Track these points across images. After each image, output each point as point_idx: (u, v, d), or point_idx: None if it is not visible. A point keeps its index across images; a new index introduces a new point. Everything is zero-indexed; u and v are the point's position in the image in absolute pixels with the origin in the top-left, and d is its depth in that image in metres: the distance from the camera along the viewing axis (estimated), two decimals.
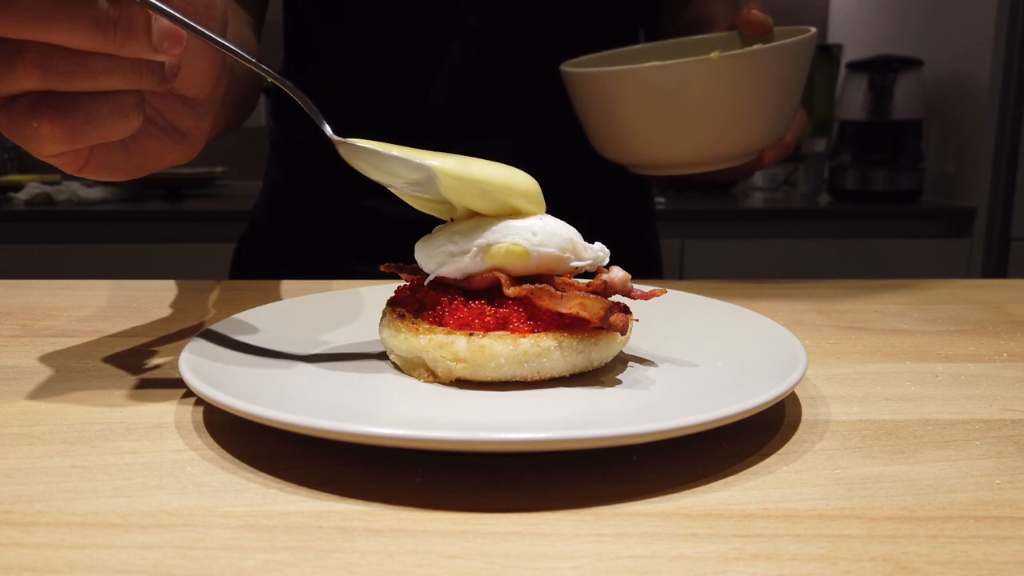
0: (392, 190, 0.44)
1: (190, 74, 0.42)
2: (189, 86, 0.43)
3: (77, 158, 0.40)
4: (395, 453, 0.34)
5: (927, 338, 0.55)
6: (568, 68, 0.73)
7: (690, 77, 0.65)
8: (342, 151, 0.43)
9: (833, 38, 2.45)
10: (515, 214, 0.44)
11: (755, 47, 0.66)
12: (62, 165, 0.40)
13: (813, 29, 0.69)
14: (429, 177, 0.42)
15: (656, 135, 0.70)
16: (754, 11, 0.72)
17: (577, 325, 0.42)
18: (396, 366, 0.45)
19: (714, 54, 0.64)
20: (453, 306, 0.43)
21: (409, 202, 0.45)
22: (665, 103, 0.67)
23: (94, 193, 1.98)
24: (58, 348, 0.50)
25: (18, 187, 2.00)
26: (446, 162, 0.42)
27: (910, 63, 1.97)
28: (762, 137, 0.71)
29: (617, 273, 0.45)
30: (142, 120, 0.39)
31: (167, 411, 0.40)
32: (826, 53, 2.11)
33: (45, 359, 0.48)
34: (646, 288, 0.47)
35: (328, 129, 0.43)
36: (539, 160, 0.86)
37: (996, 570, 0.26)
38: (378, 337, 0.47)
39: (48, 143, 0.37)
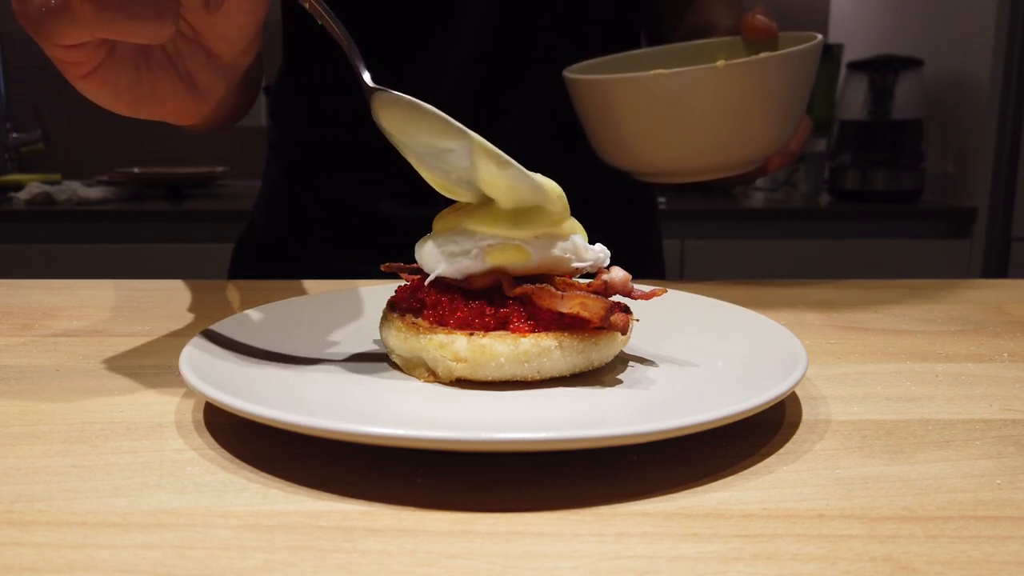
0: (409, 157, 0.43)
1: (225, 26, 0.41)
2: (219, 39, 0.42)
3: (90, 59, 0.38)
4: (395, 453, 0.34)
5: (927, 338, 0.55)
6: (571, 75, 0.73)
7: (696, 85, 0.65)
8: (376, 102, 0.42)
9: (833, 38, 2.45)
10: (538, 216, 0.43)
11: (762, 55, 0.65)
12: (72, 63, 0.38)
13: (819, 36, 0.68)
14: (462, 148, 0.41)
15: (661, 143, 0.69)
16: (759, 16, 0.72)
17: (577, 325, 0.42)
18: (396, 366, 0.45)
19: (720, 62, 0.63)
20: (453, 306, 0.43)
21: (424, 173, 0.44)
22: (670, 111, 0.66)
23: (94, 193, 1.98)
24: (58, 348, 0.50)
25: (18, 187, 2.00)
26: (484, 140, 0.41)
27: (910, 63, 1.97)
28: (768, 145, 0.70)
29: (617, 273, 0.45)
30: (173, 32, 0.37)
31: (167, 411, 0.40)
32: (826, 53, 2.11)
33: (45, 359, 0.48)
34: (646, 288, 0.47)
35: (367, 76, 0.43)
36: (541, 161, 0.86)
37: (996, 570, 0.26)
38: (378, 337, 0.47)
39: (75, 23, 0.35)
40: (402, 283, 0.48)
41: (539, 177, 0.42)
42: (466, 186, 0.43)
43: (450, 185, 0.44)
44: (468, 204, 0.45)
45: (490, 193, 0.43)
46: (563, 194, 0.44)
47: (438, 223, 0.45)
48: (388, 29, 0.80)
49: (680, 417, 0.32)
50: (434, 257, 0.44)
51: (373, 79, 0.43)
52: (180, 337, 0.53)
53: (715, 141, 0.68)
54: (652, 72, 0.65)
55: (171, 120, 0.44)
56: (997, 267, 1.90)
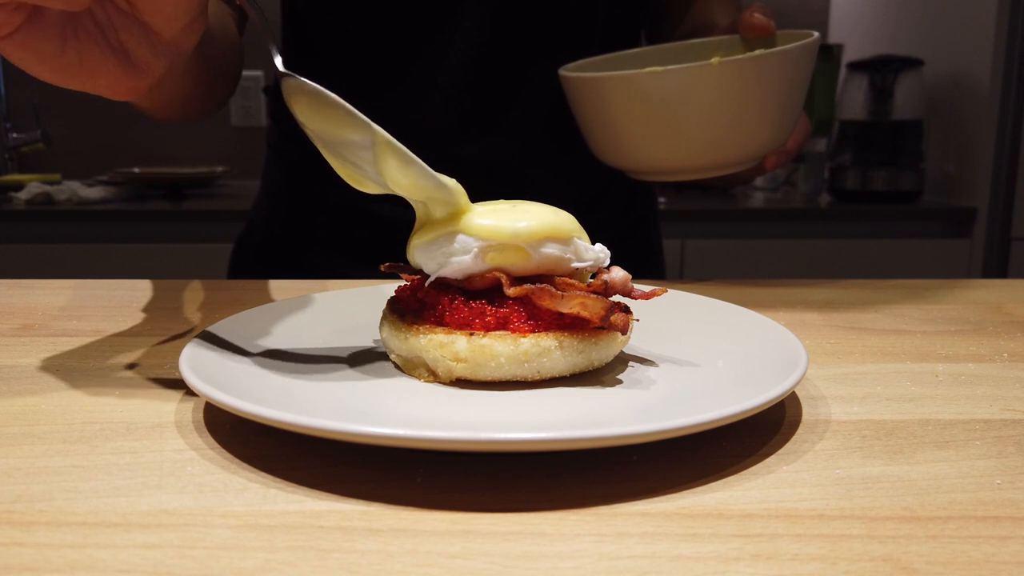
0: (318, 145, 0.42)
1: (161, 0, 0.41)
2: (155, 13, 0.41)
3: (9, 21, 0.37)
4: (395, 453, 0.34)
5: (927, 338, 0.55)
6: (566, 72, 0.73)
7: (691, 83, 0.65)
8: (284, 87, 0.41)
9: (833, 38, 2.45)
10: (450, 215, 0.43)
11: (757, 52, 0.65)
12: None
13: (816, 34, 0.68)
14: (368, 141, 0.40)
15: (656, 141, 0.69)
16: (756, 14, 0.72)
17: (578, 325, 0.42)
18: (396, 366, 0.45)
19: (715, 59, 0.63)
20: (453, 306, 0.43)
21: (332, 163, 0.43)
22: (665, 109, 0.66)
23: (94, 193, 1.98)
24: (58, 348, 0.50)
25: (18, 187, 2.00)
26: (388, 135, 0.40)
27: (910, 63, 1.97)
28: (764, 144, 0.70)
29: (617, 273, 0.45)
30: (89, 1, 0.37)
31: (167, 411, 0.40)
32: (826, 53, 2.11)
33: (45, 359, 0.48)
34: (646, 288, 0.47)
35: (279, 60, 0.43)
36: (541, 162, 0.87)
37: (996, 570, 0.26)
38: (378, 337, 0.47)
39: None
40: (402, 283, 0.48)
41: (441, 176, 0.43)
42: (373, 178, 0.43)
43: (358, 176, 0.43)
44: (456, 211, 0.44)
45: (394, 187, 0.42)
46: (463, 190, 0.44)
47: (416, 237, 0.45)
48: (390, 27, 0.80)
49: (680, 417, 0.32)
50: (434, 257, 0.44)
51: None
52: (180, 337, 0.53)
53: (710, 139, 0.68)
54: (647, 69, 0.65)
55: (104, 93, 0.43)
56: (997, 267, 1.90)
